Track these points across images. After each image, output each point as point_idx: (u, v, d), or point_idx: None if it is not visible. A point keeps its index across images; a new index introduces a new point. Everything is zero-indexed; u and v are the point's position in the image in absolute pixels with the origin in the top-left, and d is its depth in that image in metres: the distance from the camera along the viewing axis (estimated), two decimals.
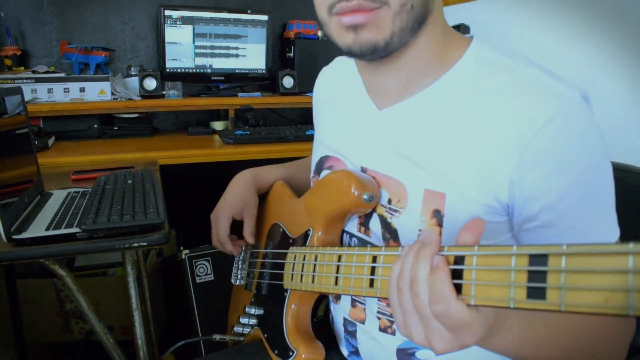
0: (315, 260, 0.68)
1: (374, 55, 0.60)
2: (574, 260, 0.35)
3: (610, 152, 0.57)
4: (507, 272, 0.39)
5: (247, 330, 0.87)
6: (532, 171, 0.55)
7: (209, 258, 1.40)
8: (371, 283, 0.55)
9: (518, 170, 0.55)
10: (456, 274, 0.43)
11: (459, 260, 0.43)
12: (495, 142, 0.56)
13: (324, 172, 0.78)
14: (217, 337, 0.92)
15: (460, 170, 0.59)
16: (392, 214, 0.65)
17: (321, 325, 0.80)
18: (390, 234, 0.66)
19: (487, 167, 0.57)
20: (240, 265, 0.93)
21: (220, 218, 0.88)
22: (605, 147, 0.56)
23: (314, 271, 0.68)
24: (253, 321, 0.85)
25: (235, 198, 0.89)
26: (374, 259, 0.55)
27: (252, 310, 0.85)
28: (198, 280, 1.38)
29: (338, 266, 0.62)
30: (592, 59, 1.35)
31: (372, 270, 0.55)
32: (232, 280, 0.93)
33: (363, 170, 0.70)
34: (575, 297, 0.34)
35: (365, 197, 0.64)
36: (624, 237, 0.59)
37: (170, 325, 1.66)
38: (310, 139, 1.72)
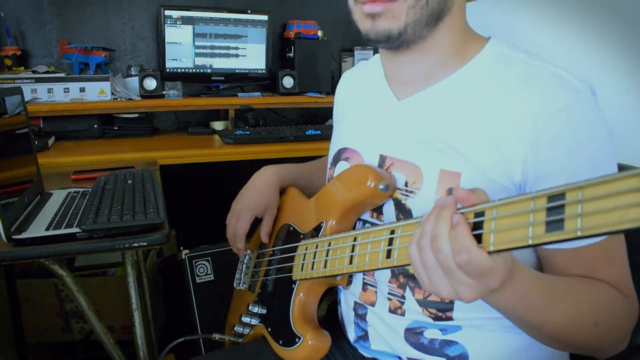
0: (329, 246, 0.70)
1: (388, 43, 0.65)
2: (589, 191, 0.37)
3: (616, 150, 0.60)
4: (526, 215, 0.41)
5: (247, 330, 0.87)
6: (545, 152, 0.59)
7: (209, 258, 1.40)
8: (388, 254, 0.58)
9: (532, 151, 0.59)
10: (476, 227, 0.46)
11: (479, 214, 0.46)
12: (511, 125, 0.60)
13: (341, 163, 0.80)
14: (216, 336, 0.92)
15: (477, 150, 0.63)
16: (407, 196, 0.68)
17: (323, 323, 0.80)
18: (404, 214, 0.69)
19: (502, 148, 0.61)
20: (244, 270, 0.93)
21: (243, 215, 0.89)
22: (612, 140, 0.60)
23: (326, 256, 0.70)
24: (255, 320, 0.85)
25: (260, 197, 0.90)
26: (392, 232, 0.58)
27: (256, 309, 0.85)
28: (198, 280, 1.38)
29: (353, 246, 0.64)
30: (593, 59, 1.35)
31: (390, 242, 0.58)
32: (235, 285, 0.93)
33: (382, 157, 0.73)
34: (592, 220, 0.37)
35: (381, 187, 0.67)
36: (624, 239, 0.61)
37: (170, 326, 1.66)
38: (310, 139, 1.74)
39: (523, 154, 0.59)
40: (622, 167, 0.78)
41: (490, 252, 0.44)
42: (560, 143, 0.58)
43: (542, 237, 0.40)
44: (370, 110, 0.78)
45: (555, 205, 0.39)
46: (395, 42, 0.65)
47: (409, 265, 0.59)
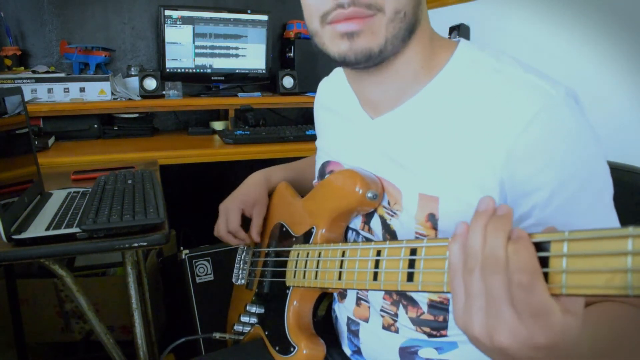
0: (319, 256, 0.68)
1: (368, 62, 0.60)
2: (575, 245, 0.35)
3: (606, 151, 0.56)
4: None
5: (247, 329, 0.87)
6: (521, 168, 0.54)
7: (209, 258, 1.40)
8: (375, 276, 0.55)
9: (507, 169, 0.55)
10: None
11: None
12: (483, 144, 0.57)
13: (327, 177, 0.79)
14: (217, 335, 0.92)
15: (452, 174, 0.59)
16: (391, 216, 0.66)
17: (323, 325, 0.80)
18: (390, 234, 0.67)
19: (477, 169, 0.57)
20: (241, 266, 0.93)
21: (232, 209, 0.89)
22: (598, 145, 0.55)
23: (317, 267, 0.68)
24: (254, 320, 0.85)
25: (248, 194, 0.91)
26: (378, 253, 0.56)
27: (253, 309, 0.85)
28: (198, 280, 1.38)
29: (342, 261, 0.63)
30: (593, 58, 1.35)
31: (377, 264, 0.56)
32: (233, 280, 0.93)
33: None
34: (577, 279, 0.35)
35: (369, 195, 0.65)
36: None
37: (170, 325, 1.66)
38: (310, 138, 1.74)
39: (498, 175, 0.56)
40: (622, 167, 0.78)
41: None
42: (536, 156, 0.54)
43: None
44: (347, 126, 0.75)
45: (540, 257, 0.37)
46: (375, 61, 0.60)
47: (395, 291, 0.58)
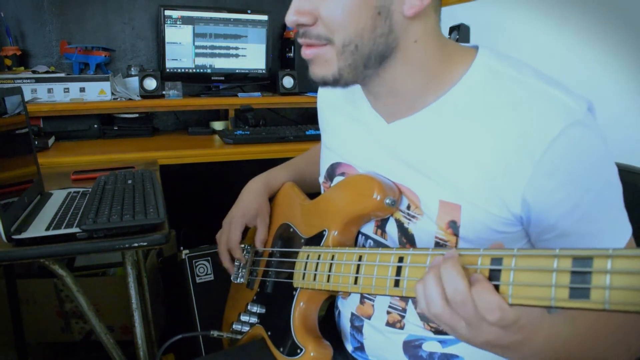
0: (332, 259, 0.68)
1: (326, 86, 0.64)
2: (619, 262, 0.37)
3: (613, 153, 0.59)
4: (548, 273, 0.41)
5: (246, 328, 0.87)
6: (546, 184, 0.56)
7: (209, 258, 1.40)
8: (396, 283, 0.56)
9: (532, 185, 0.56)
10: (492, 277, 0.45)
11: (496, 261, 0.45)
12: (506, 157, 0.57)
13: (337, 178, 0.78)
14: (215, 333, 0.92)
15: (473, 184, 0.60)
16: (409, 220, 0.66)
17: (323, 324, 0.80)
18: (407, 239, 0.67)
19: (499, 181, 0.58)
20: (241, 264, 0.93)
21: (234, 224, 0.89)
22: (609, 151, 0.58)
23: (329, 270, 0.68)
24: (254, 319, 0.85)
25: (249, 206, 0.90)
26: (400, 259, 0.56)
27: (255, 308, 0.85)
28: (198, 280, 1.38)
29: (358, 266, 0.62)
30: (593, 58, 1.35)
31: (398, 270, 0.56)
32: (232, 279, 0.93)
33: None
34: (620, 296, 0.37)
35: (387, 201, 0.65)
36: None
37: (170, 326, 1.66)
38: (310, 139, 1.74)
39: (522, 188, 0.57)
40: (622, 167, 0.78)
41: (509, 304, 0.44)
42: (560, 172, 0.55)
43: (566, 302, 0.39)
44: (359, 128, 0.74)
45: (581, 271, 0.39)
46: (335, 85, 0.63)
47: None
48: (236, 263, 0.94)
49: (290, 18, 0.60)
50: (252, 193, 0.92)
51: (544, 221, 0.58)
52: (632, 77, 1.25)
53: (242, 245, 0.95)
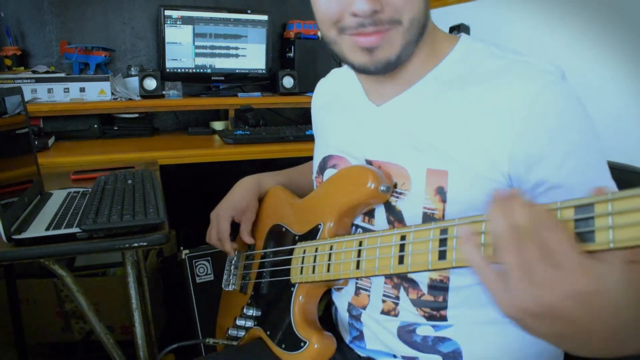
0: (331, 249, 0.70)
1: (385, 71, 0.65)
2: (618, 204, 0.39)
3: (605, 150, 0.62)
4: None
5: (242, 333, 0.87)
6: (532, 139, 0.59)
7: (209, 258, 1.40)
8: (400, 260, 0.58)
9: (517, 143, 0.59)
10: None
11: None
12: (491, 118, 0.61)
13: (328, 171, 0.80)
14: (210, 340, 0.92)
15: (461, 147, 0.63)
16: (397, 197, 0.68)
17: (321, 324, 0.79)
18: (395, 216, 0.69)
19: (486, 142, 0.61)
20: (232, 271, 0.93)
21: (222, 216, 0.91)
22: (589, 114, 0.62)
23: (329, 260, 0.70)
24: (250, 323, 0.85)
25: (239, 201, 0.92)
26: (403, 237, 0.59)
27: (251, 312, 0.85)
28: (198, 280, 1.38)
29: (359, 251, 0.64)
30: (593, 58, 1.35)
31: (402, 248, 0.59)
32: (223, 287, 0.93)
33: (367, 162, 0.73)
34: (624, 233, 0.39)
35: (382, 188, 0.67)
36: None
37: (170, 325, 1.66)
38: (310, 139, 1.74)
39: (509, 148, 0.60)
40: (622, 167, 0.78)
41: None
42: (545, 127, 0.59)
43: None
44: (350, 118, 0.77)
45: (584, 217, 0.42)
46: (392, 68, 0.65)
47: (425, 271, 0.60)
48: (226, 270, 0.94)
49: (364, 7, 0.59)
50: (244, 189, 0.93)
51: (533, 176, 0.60)
52: (631, 77, 1.26)
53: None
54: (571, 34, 1.40)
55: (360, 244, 0.65)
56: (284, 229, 0.84)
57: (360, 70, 0.67)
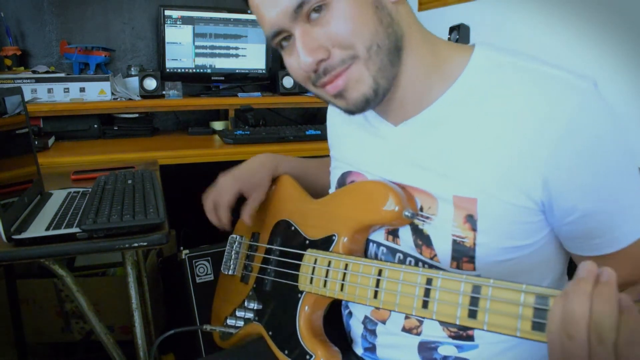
0: (345, 269, 0.67)
1: (371, 105, 0.62)
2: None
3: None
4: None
5: (240, 323, 0.85)
6: (566, 164, 0.55)
7: (209, 258, 1.40)
8: (424, 304, 0.55)
9: (551, 167, 0.56)
10: None
11: None
12: (520, 142, 0.57)
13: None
14: (207, 327, 0.91)
15: (487, 174, 0.59)
16: (423, 221, 0.65)
17: (325, 323, 0.78)
18: (423, 240, 0.66)
19: (514, 168, 0.58)
20: (233, 256, 0.91)
21: (228, 185, 0.87)
22: (622, 128, 0.57)
23: (343, 279, 0.66)
24: (249, 315, 0.84)
25: (251, 175, 0.88)
26: (429, 281, 0.55)
27: (251, 305, 0.83)
28: (198, 280, 1.38)
29: (378, 280, 0.61)
30: (593, 58, 1.35)
31: (427, 292, 0.55)
32: (222, 270, 0.91)
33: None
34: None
35: (407, 213, 0.64)
36: None
37: (170, 326, 1.66)
38: (310, 139, 1.74)
39: (540, 172, 0.56)
40: None
41: None
42: (580, 152, 0.55)
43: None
44: (367, 135, 0.73)
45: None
46: (378, 100, 0.61)
47: (452, 325, 0.59)
48: (226, 253, 0.92)
49: (307, 60, 0.58)
50: (259, 164, 0.89)
51: (565, 202, 0.57)
52: (631, 77, 1.25)
53: (234, 236, 0.93)
54: (571, 34, 1.40)
55: (380, 272, 0.61)
56: (293, 228, 0.81)
57: (348, 113, 0.64)
